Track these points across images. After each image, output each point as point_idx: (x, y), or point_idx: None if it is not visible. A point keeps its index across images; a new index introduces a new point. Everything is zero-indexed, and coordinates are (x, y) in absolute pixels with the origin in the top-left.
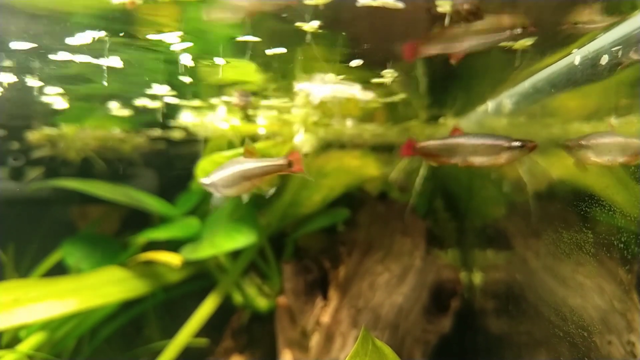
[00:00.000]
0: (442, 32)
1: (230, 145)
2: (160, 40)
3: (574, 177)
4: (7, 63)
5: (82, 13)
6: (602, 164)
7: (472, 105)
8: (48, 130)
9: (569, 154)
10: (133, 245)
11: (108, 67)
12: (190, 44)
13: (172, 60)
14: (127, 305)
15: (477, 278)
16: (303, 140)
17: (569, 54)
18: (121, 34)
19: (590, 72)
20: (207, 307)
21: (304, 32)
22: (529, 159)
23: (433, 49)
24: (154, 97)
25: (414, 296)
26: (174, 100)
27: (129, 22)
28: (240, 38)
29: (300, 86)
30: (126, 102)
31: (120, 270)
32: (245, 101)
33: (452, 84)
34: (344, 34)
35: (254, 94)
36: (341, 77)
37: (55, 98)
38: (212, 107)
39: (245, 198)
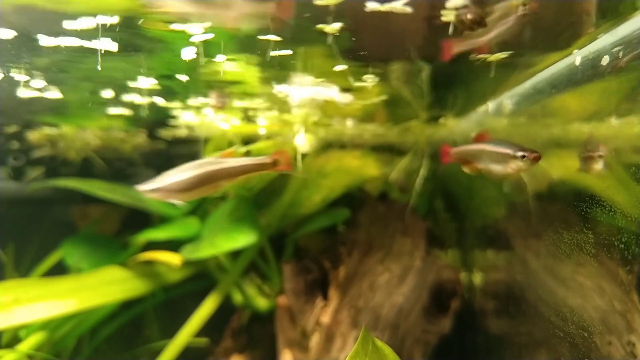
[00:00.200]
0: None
1: (231, 145)
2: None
3: (574, 177)
4: None
5: None
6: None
7: (473, 105)
8: (48, 130)
9: None
10: (133, 245)
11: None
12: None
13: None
14: (127, 305)
15: (477, 278)
16: (303, 140)
17: (569, 54)
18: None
19: (590, 73)
20: (207, 307)
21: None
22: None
23: (465, 46)
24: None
25: (414, 296)
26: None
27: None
28: (263, 37)
29: (279, 88)
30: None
31: (120, 270)
32: (222, 102)
33: (453, 84)
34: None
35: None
36: (320, 79)
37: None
38: (193, 107)
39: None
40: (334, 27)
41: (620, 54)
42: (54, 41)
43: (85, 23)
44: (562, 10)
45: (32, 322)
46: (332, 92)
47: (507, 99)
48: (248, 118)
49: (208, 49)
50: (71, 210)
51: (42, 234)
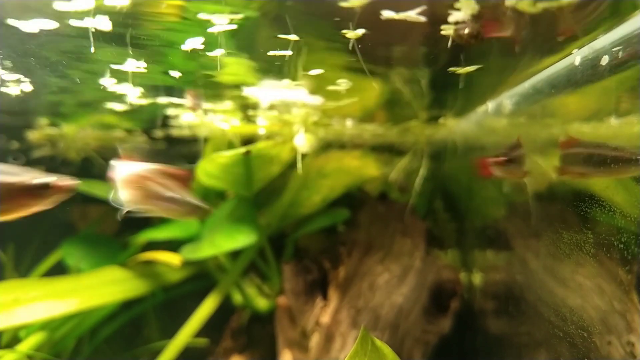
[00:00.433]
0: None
1: (231, 146)
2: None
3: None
4: None
5: None
6: None
7: (472, 105)
8: (48, 130)
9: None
10: (133, 245)
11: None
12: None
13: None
14: (127, 305)
15: (477, 278)
16: (303, 141)
17: (569, 54)
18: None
19: (590, 73)
20: (207, 307)
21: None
22: (528, 159)
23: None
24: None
25: (414, 296)
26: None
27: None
28: (282, 36)
29: (248, 90)
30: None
31: (120, 270)
32: (197, 104)
33: (453, 84)
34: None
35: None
36: (296, 82)
37: None
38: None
39: None
40: (357, 33)
41: (620, 53)
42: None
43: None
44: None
45: (32, 322)
46: (302, 95)
47: (506, 99)
48: (248, 118)
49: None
50: (71, 211)
51: (42, 234)
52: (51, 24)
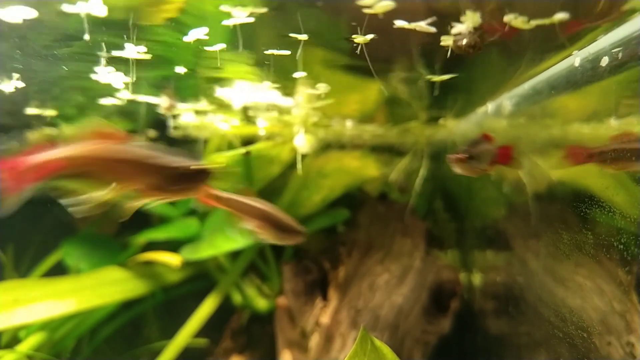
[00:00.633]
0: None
1: (231, 146)
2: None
3: (573, 178)
4: None
5: None
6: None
7: (472, 106)
8: (48, 130)
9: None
10: (133, 246)
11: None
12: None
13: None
14: (126, 306)
15: (477, 279)
16: (303, 141)
17: (569, 55)
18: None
19: (590, 74)
20: (206, 308)
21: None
22: (528, 159)
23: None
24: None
25: (414, 297)
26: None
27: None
28: (294, 35)
29: (221, 91)
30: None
31: (120, 271)
32: (171, 103)
33: (453, 85)
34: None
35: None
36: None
37: None
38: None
39: None
40: (365, 38)
41: (620, 54)
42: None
43: None
44: None
45: (32, 323)
46: (274, 97)
47: (506, 100)
48: (248, 118)
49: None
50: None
51: (41, 234)
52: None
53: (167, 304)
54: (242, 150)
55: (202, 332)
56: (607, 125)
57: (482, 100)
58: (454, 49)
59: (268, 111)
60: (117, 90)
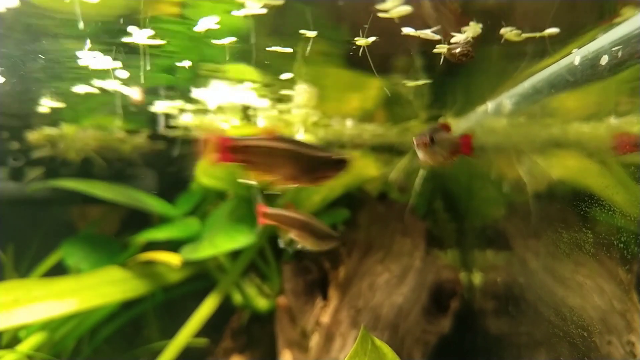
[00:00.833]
0: None
1: None
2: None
3: (573, 177)
4: None
5: None
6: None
7: (472, 105)
8: (48, 130)
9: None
10: (133, 246)
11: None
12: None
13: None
14: (127, 306)
15: (477, 278)
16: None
17: (569, 53)
18: None
19: (590, 73)
20: (206, 308)
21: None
22: (528, 159)
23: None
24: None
25: (414, 296)
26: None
27: None
28: (303, 31)
29: (196, 92)
30: None
31: (120, 271)
32: (142, 96)
33: (453, 84)
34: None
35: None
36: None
37: None
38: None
39: None
40: (367, 40)
41: (620, 53)
42: None
43: None
44: None
45: (32, 323)
46: (249, 98)
47: (506, 99)
48: (247, 118)
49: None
50: (71, 211)
51: (42, 235)
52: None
53: (167, 304)
54: None
55: (202, 332)
56: (607, 124)
57: (482, 99)
58: (447, 56)
59: (243, 112)
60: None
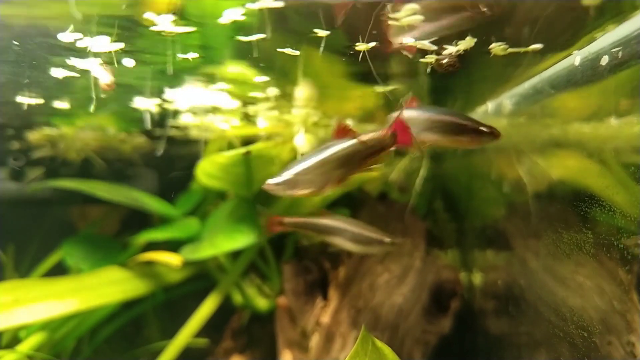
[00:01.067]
0: None
1: (231, 146)
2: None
3: (574, 177)
4: None
5: None
6: None
7: (472, 105)
8: (48, 131)
9: None
10: (133, 246)
11: None
12: None
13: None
14: (127, 306)
15: (477, 279)
16: (303, 141)
17: (569, 54)
18: None
19: (590, 73)
20: (207, 308)
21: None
22: (528, 159)
23: None
24: None
25: (414, 297)
26: None
27: None
28: (317, 30)
29: (169, 92)
30: None
31: (120, 271)
32: (112, 79)
33: (453, 84)
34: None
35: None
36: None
37: None
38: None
39: None
40: (368, 45)
41: (620, 53)
42: None
43: None
44: None
45: (32, 323)
46: (220, 99)
47: (506, 99)
48: (248, 118)
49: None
50: (71, 211)
51: (42, 235)
52: None
53: (168, 304)
54: (242, 149)
55: (203, 332)
56: (607, 124)
57: (482, 99)
58: (435, 66)
59: (211, 113)
60: None
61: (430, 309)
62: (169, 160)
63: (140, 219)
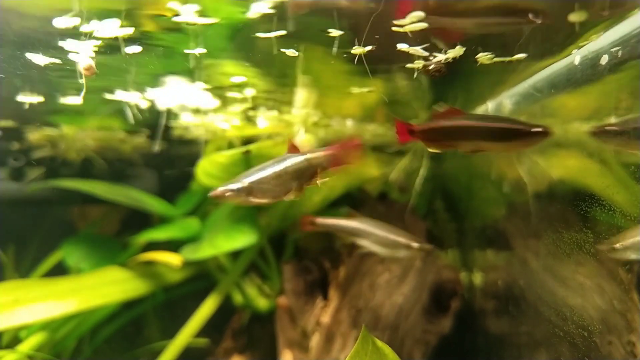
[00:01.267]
0: None
1: (231, 146)
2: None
3: (574, 177)
4: None
5: None
6: None
7: (472, 104)
8: (48, 131)
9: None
10: (133, 246)
11: None
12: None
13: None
14: (127, 306)
15: (477, 278)
16: (303, 141)
17: (569, 54)
18: None
19: (590, 72)
20: (207, 308)
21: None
22: (528, 159)
23: None
24: None
25: (414, 297)
26: None
27: None
28: (331, 29)
29: (150, 91)
30: None
31: (120, 271)
32: (91, 65)
33: (453, 84)
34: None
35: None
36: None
37: None
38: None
39: None
40: (364, 49)
41: (620, 52)
42: None
43: None
44: None
45: (33, 323)
46: (202, 98)
47: (506, 99)
48: (248, 118)
49: None
50: (71, 211)
51: (42, 235)
52: None
53: (168, 304)
54: (242, 149)
55: (203, 332)
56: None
57: (482, 98)
58: (422, 72)
59: (196, 113)
60: None
61: (430, 309)
62: (169, 160)
63: (140, 219)
